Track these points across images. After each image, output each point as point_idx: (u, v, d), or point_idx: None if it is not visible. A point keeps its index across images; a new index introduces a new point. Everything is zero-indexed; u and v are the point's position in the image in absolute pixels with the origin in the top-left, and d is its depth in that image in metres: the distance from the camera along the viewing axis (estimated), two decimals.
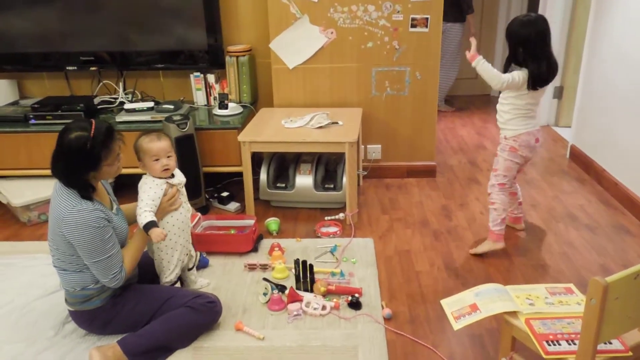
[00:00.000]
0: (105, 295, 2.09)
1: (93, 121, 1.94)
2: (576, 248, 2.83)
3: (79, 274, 2.03)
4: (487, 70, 2.53)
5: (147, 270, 2.30)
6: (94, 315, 2.11)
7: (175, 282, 2.34)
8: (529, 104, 2.57)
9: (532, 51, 2.47)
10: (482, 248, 2.76)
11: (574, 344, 1.66)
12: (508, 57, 2.58)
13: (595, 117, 3.67)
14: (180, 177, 2.28)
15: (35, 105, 3.36)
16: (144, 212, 2.13)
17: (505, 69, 2.57)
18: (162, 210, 2.19)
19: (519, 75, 2.49)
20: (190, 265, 2.43)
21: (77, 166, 1.92)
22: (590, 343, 1.51)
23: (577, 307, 1.84)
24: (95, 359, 1.96)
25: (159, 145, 2.18)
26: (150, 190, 2.17)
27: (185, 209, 2.30)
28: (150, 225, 2.10)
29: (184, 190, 2.31)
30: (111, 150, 1.96)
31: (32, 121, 3.29)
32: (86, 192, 1.96)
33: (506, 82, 2.50)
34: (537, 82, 2.49)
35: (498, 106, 2.67)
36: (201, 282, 2.50)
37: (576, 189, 3.53)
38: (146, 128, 3.22)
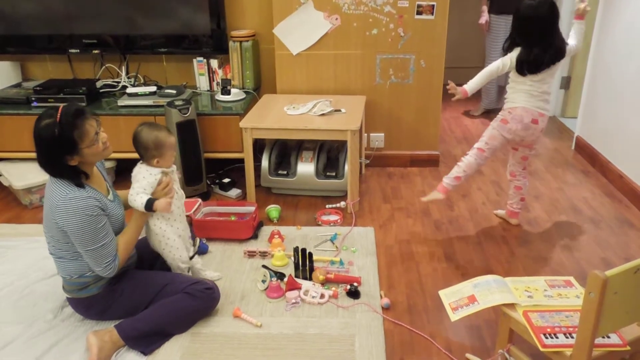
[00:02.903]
0: (102, 282, 2.09)
1: (61, 106, 1.89)
2: (578, 241, 2.81)
3: (74, 261, 2.02)
4: (480, 81, 2.61)
5: (145, 256, 2.29)
6: (91, 302, 2.11)
7: (189, 269, 2.34)
8: (534, 82, 2.55)
9: (526, 35, 2.48)
10: (428, 197, 2.86)
11: (572, 337, 1.65)
12: (510, 37, 2.60)
13: (602, 108, 3.62)
14: (173, 165, 2.26)
15: (38, 88, 3.35)
16: (138, 194, 2.11)
17: (509, 45, 2.59)
18: (167, 207, 2.14)
19: (508, 57, 2.54)
20: (191, 254, 2.41)
21: (54, 154, 1.89)
22: (588, 337, 1.50)
23: (576, 300, 1.82)
24: (93, 343, 1.97)
25: (174, 138, 2.21)
26: (143, 180, 2.14)
27: (179, 195, 2.29)
28: (151, 201, 2.09)
29: (176, 176, 2.29)
30: (84, 131, 1.90)
31: (35, 104, 3.29)
32: (77, 179, 1.94)
33: (496, 71, 2.57)
34: (524, 66, 2.50)
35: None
36: (211, 274, 2.46)
37: (581, 181, 3.50)
38: (149, 113, 3.22)
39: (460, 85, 2.67)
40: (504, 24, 4.27)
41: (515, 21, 2.52)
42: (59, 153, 1.89)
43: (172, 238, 2.24)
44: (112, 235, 2.01)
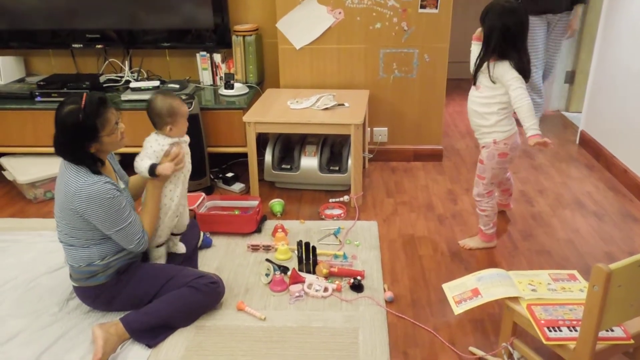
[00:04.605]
0: (110, 271, 2.10)
1: (85, 94, 1.94)
2: (582, 235, 2.80)
3: (85, 249, 2.05)
4: (532, 114, 2.28)
5: None
6: (98, 291, 2.12)
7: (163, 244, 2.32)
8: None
9: (514, 42, 2.29)
10: (472, 243, 2.70)
11: (575, 330, 1.65)
12: (486, 49, 2.37)
13: (606, 102, 3.60)
14: (186, 136, 2.26)
15: (41, 83, 3.36)
16: (142, 160, 2.12)
17: (484, 60, 2.40)
18: (169, 169, 2.13)
19: (515, 73, 2.30)
20: (176, 232, 2.38)
21: (75, 140, 1.93)
22: (592, 330, 1.50)
23: (580, 294, 1.83)
24: (98, 335, 1.98)
25: (187, 108, 2.22)
26: (150, 149, 2.15)
27: (186, 169, 2.28)
28: (154, 166, 2.10)
29: (188, 148, 2.27)
30: (106, 119, 1.95)
31: (38, 98, 3.29)
32: (94, 166, 1.98)
33: (525, 87, 2.31)
34: (524, 73, 2.31)
35: (478, 109, 2.47)
36: (181, 247, 2.44)
37: (585, 175, 3.49)
38: None
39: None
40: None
41: (508, 30, 2.28)
42: (81, 139, 1.93)
43: (169, 217, 2.24)
44: (134, 213, 2.07)
